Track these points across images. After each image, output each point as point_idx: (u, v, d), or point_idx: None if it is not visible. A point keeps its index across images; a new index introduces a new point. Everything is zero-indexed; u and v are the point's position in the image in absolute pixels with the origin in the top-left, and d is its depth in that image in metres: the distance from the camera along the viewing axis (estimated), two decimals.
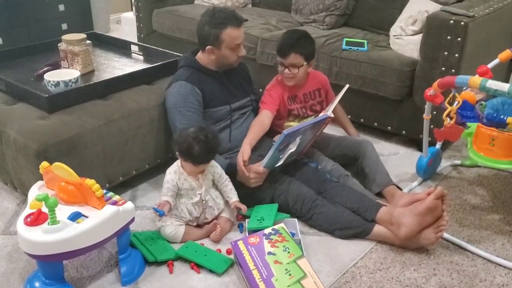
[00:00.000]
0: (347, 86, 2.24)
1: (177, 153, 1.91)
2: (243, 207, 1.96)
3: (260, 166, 2.00)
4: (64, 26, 4.21)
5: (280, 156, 2.03)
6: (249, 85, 2.34)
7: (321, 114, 2.17)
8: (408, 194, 2.16)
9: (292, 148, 2.02)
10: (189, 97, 2.10)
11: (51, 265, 1.61)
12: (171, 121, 2.14)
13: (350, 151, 2.29)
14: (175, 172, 1.91)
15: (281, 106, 2.30)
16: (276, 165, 2.06)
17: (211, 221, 1.97)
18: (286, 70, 2.22)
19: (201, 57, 2.21)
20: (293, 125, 2.29)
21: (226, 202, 2.02)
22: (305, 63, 2.22)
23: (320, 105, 2.38)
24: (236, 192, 2.01)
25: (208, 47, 2.14)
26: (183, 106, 2.09)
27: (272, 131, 2.28)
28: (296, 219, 1.98)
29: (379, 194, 2.17)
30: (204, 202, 1.94)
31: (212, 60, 2.18)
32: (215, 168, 1.98)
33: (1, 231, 2.00)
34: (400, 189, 2.19)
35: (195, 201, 1.92)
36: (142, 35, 3.76)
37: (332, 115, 2.08)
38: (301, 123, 2.20)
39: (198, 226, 1.98)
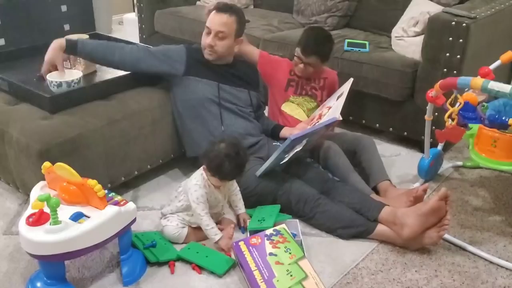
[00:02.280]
0: (351, 80, 2.28)
1: (204, 166, 1.88)
2: (247, 221, 1.97)
3: (258, 172, 2.03)
4: (67, 27, 4.22)
5: (285, 156, 2.03)
6: (252, 83, 2.36)
7: (325, 118, 2.15)
8: (401, 189, 2.17)
9: (298, 148, 2.04)
10: (172, 46, 2.27)
11: (53, 265, 1.62)
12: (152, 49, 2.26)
13: (350, 145, 2.30)
14: (204, 187, 1.86)
15: (280, 75, 2.46)
16: (280, 163, 2.07)
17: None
18: (302, 65, 2.37)
19: None
20: (291, 107, 2.39)
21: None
22: (322, 63, 2.41)
23: (320, 92, 2.47)
24: (243, 203, 2.01)
25: None
26: (161, 47, 2.26)
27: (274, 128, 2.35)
28: (297, 220, 1.98)
29: (375, 189, 2.18)
30: (223, 213, 1.97)
31: None
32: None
33: (3, 231, 2.00)
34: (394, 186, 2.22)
35: (216, 212, 1.93)
36: (144, 36, 3.77)
37: (341, 118, 2.07)
38: (308, 128, 2.20)
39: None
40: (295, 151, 2.03)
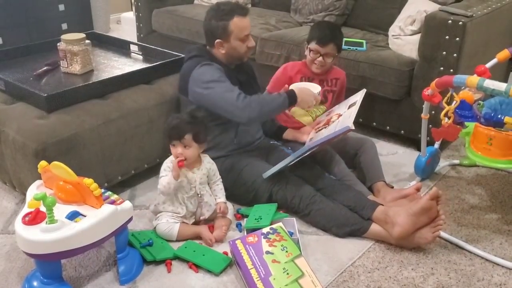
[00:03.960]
0: (364, 90, 2.22)
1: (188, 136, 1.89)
2: (226, 211, 1.98)
3: (265, 175, 2.04)
4: (64, 26, 4.22)
5: (292, 159, 2.03)
6: (255, 84, 2.34)
7: (335, 125, 2.09)
8: (394, 189, 2.18)
9: (307, 153, 2.05)
10: (218, 70, 2.06)
11: (49, 264, 1.62)
12: (215, 97, 2.01)
13: (351, 148, 2.30)
14: (171, 162, 1.93)
15: (291, 81, 2.37)
16: (288, 164, 2.06)
17: (211, 219, 1.99)
18: (320, 58, 2.35)
19: (210, 52, 2.19)
20: (300, 112, 2.27)
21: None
22: (337, 54, 2.40)
23: (332, 94, 2.46)
24: (224, 193, 2.02)
25: (217, 41, 2.12)
26: (222, 75, 2.04)
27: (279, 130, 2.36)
28: (294, 219, 1.98)
29: (370, 189, 2.19)
30: (199, 196, 1.95)
31: (222, 54, 2.15)
32: (212, 164, 2.00)
33: (0, 230, 2.00)
34: (393, 187, 2.23)
35: (191, 195, 1.94)
36: (141, 35, 3.76)
37: (353, 127, 1.99)
38: (321, 134, 2.15)
39: (196, 223, 1.98)
40: (303, 156, 2.05)
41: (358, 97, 2.18)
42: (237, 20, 2.09)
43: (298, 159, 2.05)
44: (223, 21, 2.09)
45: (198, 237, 1.94)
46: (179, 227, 1.92)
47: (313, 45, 2.36)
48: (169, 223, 1.92)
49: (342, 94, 2.51)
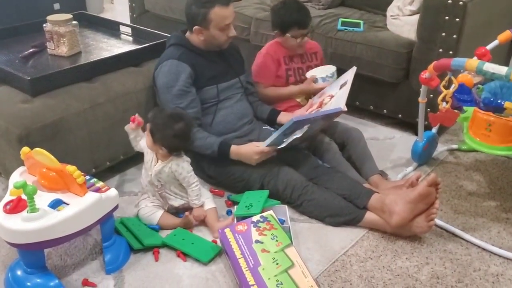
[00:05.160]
0: (354, 68, 2.20)
1: (149, 125, 1.84)
2: (201, 216, 1.89)
3: (262, 146, 1.97)
4: (56, 6, 4.13)
5: (284, 140, 1.97)
6: (240, 66, 2.27)
7: (328, 106, 2.08)
8: (392, 181, 2.14)
9: (298, 134, 1.96)
10: (181, 75, 2.03)
11: (31, 253, 1.57)
12: (163, 101, 2.07)
13: (338, 137, 2.23)
14: (146, 135, 1.87)
15: (278, 71, 2.37)
16: (278, 147, 2.01)
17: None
18: (301, 40, 2.31)
19: (191, 37, 2.14)
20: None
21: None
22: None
23: (310, 68, 2.43)
24: (200, 197, 1.90)
25: (196, 27, 2.06)
26: (175, 85, 2.02)
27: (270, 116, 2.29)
28: (286, 206, 1.93)
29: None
30: (158, 187, 1.89)
31: (201, 40, 2.11)
32: (181, 169, 1.86)
33: None
34: (387, 175, 2.18)
35: (148, 180, 1.90)
36: (134, 15, 3.67)
37: (345, 109, 1.99)
38: (313, 113, 2.14)
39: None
40: (294, 137, 1.96)
41: (349, 76, 2.16)
42: (218, 9, 2.01)
43: (290, 140, 1.96)
44: (204, 9, 2.02)
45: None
46: (162, 214, 1.89)
47: (294, 31, 2.29)
48: (150, 208, 1.89)
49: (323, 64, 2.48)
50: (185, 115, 1.89)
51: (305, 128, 1.95)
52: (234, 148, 2.01)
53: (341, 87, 2.15)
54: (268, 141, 1.95)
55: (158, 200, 1.93)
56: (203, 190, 1.97)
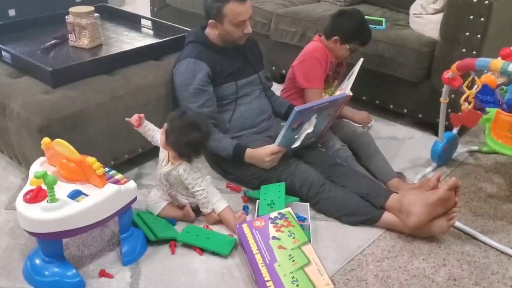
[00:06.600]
0: (361, 60, 2.23)
1: (166, 124, 1.83)
2: (212, 223, 1.89)
3: (273, 146, 1.95)
4: None
5: (296, 136, 1.96)
6: (259, 62, 2.26)
7: (337, 93, 2.11)
8: (411, 184, 2.11)
9: (308, 129, 1.95)
10: (198, 74, 2.03)
11: (50, 243, 1.59)
12: (180, 99, 2.08)
13: (347, 142, 2.22)
14: (161, 134, 1.86)
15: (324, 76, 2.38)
16: (292, 147, 2.00)
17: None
18: (350, 55, 2.36)
19: (208, 32, 2.13)
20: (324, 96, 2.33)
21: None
22: None
23: (337, 74, 2.45)
24: (208, 205, 1.86)
25: (211, 21, 2.06)
26: (192, 83, 2.03)
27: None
28: (308, 204, 1.92)
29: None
30: (167, 186, 1.89)
31: (216, 35, 2.10)
32: (186, 175, 1.82)
33: (5, 205, 1.99)
34: (404, 176, 2.16)
35: (158, 177, 1.91)
36: (155, 9, 3.68)
37: (351, 94, 2.02)
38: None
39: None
40: (306, 132, 1.95)
41: (355, 67, 2.22)
42: (233, 5, 2.00)
43: (302, 136, 1.95)
44: (218, 3, 2.01)
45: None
46: (166, 205, 1.90)
47: (355, 46, 2.31)
48: (157, 197, 1.91)
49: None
50: (204, 125, 1.85)
51: (313, 120, 1.94)
52: (248, 152, 2.00)
53: (349, 78, 2.21)
54: (278, 139, 1.93)
55: (167, 195, 1.93)
56: (212, 190, 1.91)
